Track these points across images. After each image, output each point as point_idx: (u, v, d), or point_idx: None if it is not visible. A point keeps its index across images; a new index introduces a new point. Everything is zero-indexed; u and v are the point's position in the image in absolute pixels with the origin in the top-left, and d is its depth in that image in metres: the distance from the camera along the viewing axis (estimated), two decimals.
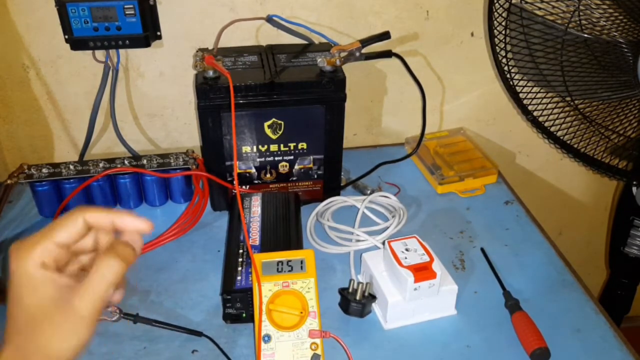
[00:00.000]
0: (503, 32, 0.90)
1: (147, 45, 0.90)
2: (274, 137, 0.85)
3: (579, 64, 0.86)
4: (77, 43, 0.88)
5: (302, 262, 0.69)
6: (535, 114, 0.97)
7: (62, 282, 0.44)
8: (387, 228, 0.84)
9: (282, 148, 0.86)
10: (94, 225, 0.46)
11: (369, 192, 0.95)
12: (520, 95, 0.96)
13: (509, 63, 0.93)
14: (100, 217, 0.46)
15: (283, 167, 0.89)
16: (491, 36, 0.92)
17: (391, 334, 0.71)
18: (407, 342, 0.70)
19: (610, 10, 0.82)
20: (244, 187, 0.89)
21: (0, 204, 0.87)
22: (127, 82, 0.98)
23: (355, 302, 0.71)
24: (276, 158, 0.87)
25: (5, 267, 0.81)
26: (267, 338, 0.64)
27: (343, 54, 0.83)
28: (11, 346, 0.43)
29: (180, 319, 0.72)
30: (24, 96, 0.97)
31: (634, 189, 0.98)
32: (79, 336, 0.43)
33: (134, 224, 0.47)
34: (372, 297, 0.73)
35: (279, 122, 0.84)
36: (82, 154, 1.00)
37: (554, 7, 0.84)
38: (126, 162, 0.89)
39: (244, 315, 0.71)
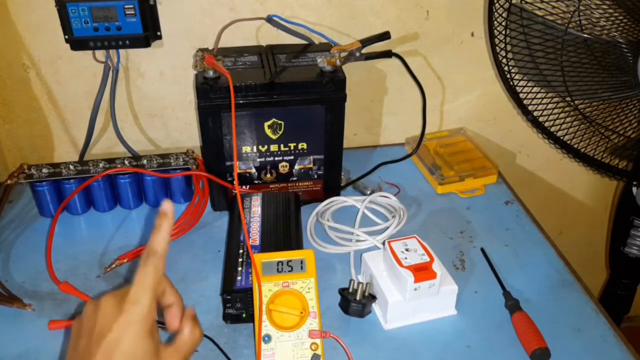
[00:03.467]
0: (503, 32, 0.90)
1: (147, 45, 0.90)
2: (274, 137, 0.85)
3: (579, 64, 0.86)
4: (77, 43, 0.88)
5: (302, 262, 0.69)
6: (535, 114, 0.97)
7: (159, 338, 0.47)
8: (387, 228, 0.84)
9: (282, 148, 0.86)
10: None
11: (369, 192, 0.95)
12: (520, 95, 0.96)
13: (509, 63, 0.93)
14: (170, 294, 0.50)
15: (283, 167, 0.89)
16: (491, 36, 0.92)
17: (391, 334, 0.71)
18: (407, 342, 0.70)
19: (610, 10, 0.82)
20: (244, 187, 0.89)
21: (0, 204, 0.87)
22: (127, 82, 0.98)
23: (355, 302, 0.71)
24: (276, 158, 0.87)
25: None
26: (267, 338, 0.64)
27: (343, 54, 0.83)
28: None
29: None
30: (24, 96, 0.97)
31: (634, 189, 0.98)
32: None
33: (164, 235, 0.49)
34: (372, 297, 0.73)
35: (279, 122, 0.84)
36: (82, 154, 1.00)
37: (554, 7, 0.84)
38: (126, 162, 0.89)
39: (244, 315, 0.71)
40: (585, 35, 0.83)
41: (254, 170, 0.88)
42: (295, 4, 0.95)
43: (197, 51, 0.83)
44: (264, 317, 0.65)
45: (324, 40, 0.95)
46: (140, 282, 0.46)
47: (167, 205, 0.50)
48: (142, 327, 0.45)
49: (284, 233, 0.79)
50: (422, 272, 0.68)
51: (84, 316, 0.48)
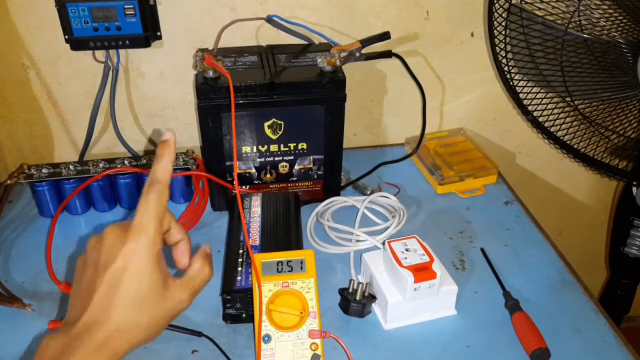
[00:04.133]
0: (503, 32, 0.90)
1: (147, 45, 0.90)
2: (274, 137, 0.85)
3: (579, 64, 0.86)
4: (77, 43, 0.88)
5: (302, 262, 0.69)
6: (535, 114, 0.97)
7: (167, 271, 0.46)
8: (387, 228, 0.84)
9: (282, 148, 0.86)
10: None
11: (369, 192, 0.95)
12: (520, 95, 0.96)
13: (509, 63, 0.93)
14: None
15: (283, 167, 0.89)
16: (491, 36, 0.92)
17: (391, 334, 0.71)
18: (407, 342, 0.70)
19: (610, 11, 0.82)
20: (244, 187, 0.89)
21: (0, 204, 0.87)
22: (127, 82, 0.98)
23: (355, 302, 0.71)
24: (276, 158, 0.87)
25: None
26: (267, 338, 0.64)
27: (343, 54, 0.83)
28: (81, 325, 0.43)
29: (180, 319, 0.72)
30: (24, 96, 0.97)
31: (634, 189, 0.98)
32: (158, 329, 0.45)
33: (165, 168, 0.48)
34: (372, 297, 0.73)
35: (279, 122, 0.84)
36: (82, 154, 1.00)
37: (554, 7, 0.84)
38: (126, 162, 0.89)
39: (244, 315, 0.71)
40: (585, 35, 0.83)
41: (253, 170, 0.88)
42: (295, 4, 0.95)
43: (197, 51, 0.83)
44: (264, 317, 0.65)
45: (324, 40, 0.95)
46: (144, 210, 0.45)
47: (169, 134, 0.48)
48: (148, 255, 0.44)
49: (284, 233, 0.79)
50: (422, 272, 0.68)
51: (87, 249, 0.46)
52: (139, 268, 0.43)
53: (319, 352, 0.64)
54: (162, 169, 0.47)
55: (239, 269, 0.72)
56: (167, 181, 0.46)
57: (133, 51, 0.95)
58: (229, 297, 0.70)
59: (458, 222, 0.91)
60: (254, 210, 0.82)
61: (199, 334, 0.70)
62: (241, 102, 0.81)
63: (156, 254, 0.44)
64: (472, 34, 1.03)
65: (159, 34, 0.93)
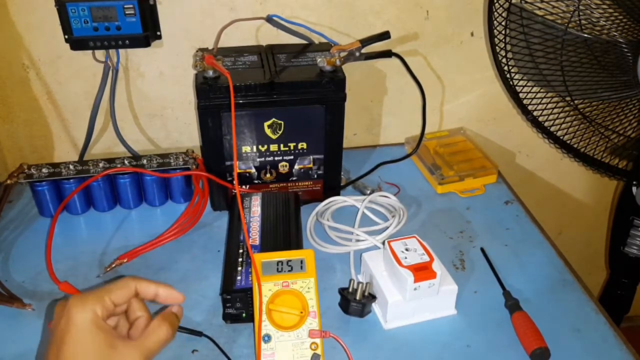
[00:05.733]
0: (503, 32, 0.90)
1: (147, 45, 0.90)
2: (274, 137, 0.85)
3: (579, 64, 0.86)
4: (77, 43, 0.88)
5: (302, 262, 0.69)
6: (535, 114, 0.97)
7: (113, 332, 0.49)
8: (387, 228, 0.84)
9: (282, 148, 0.86)
10: (140, 293, 0.53)
11: (369, 192, 0.95)
12: (520, 95, 0.96)
13: (509, 63, 0.93)
14: (149, 288, 0.53)
15: (283, 167, 0.89)
16: (491, 36, 0.92)
17: (391, 334, 0.71)
18: (407, 342, 0.70)
19: (610, 10, 0.82)
20: (244, 187, 0.89)
21: (0, 204, 0.87)
22: (127, 82, 0.98)
23: (355, 302, 0.72)
24: (276, 158, 0.87)
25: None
26: (267, 338, 0.64)
27: (343, 54, 0.83)
28: None
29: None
30: (24, 96, 0.97)
31: (634, 189, 0.98)
32: None
33: (172, 297, 0.55)
34: (372, 297, 0.73)
35: (279, 122, 0.84)
36: (82, 154, 1.00)
37: (554, 7, 0.84)
38: (126, 162, 0.89)
39: (244, 315, 0.71)
40: (585, 35, 0.83)
41: (253, 170, 0.88)
42: (295, 4, 0.95)
43: (197, 51, 0.83)
44: (264, 317, 0.65)
45: (324, 40, 0.95)
46: (108, 288, 0.50)
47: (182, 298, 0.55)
48: (87, 318, 0.47)
49: (283, 233, 0.79)
50: (422, 271, 0.68)
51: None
52: (79, 329, 0.47)
53: (319, 351, 0.64)
54: (154, 286, 0.53)
55: (239, 268, 0.72)
56: (149, 293, 0.53)
57: (133, 51, 0.95)
58: (229, 297, 0.70)
59: (458, 222, 0.91)
60: (254, 210, 0.82)
61: (199, 333, 0.70)
62: (241, 101, 0.81)
63: (98, 317, 0.48)
64: (472, 34, 1.03)
65: (159, 33, 0.93)
